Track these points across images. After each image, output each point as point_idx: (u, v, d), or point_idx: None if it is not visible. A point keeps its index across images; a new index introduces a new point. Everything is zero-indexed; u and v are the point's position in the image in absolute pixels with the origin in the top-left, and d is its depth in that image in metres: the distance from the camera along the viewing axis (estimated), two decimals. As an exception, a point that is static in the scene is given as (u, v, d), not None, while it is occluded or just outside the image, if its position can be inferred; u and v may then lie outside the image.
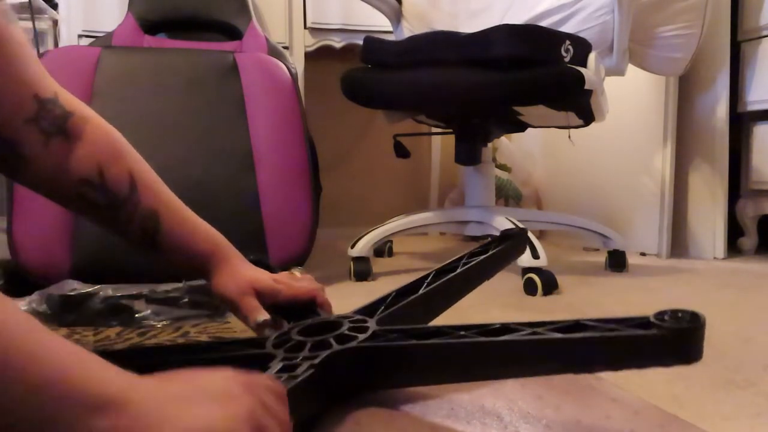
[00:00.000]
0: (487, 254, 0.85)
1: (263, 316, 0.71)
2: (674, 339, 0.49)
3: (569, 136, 1.59)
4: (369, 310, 0.68)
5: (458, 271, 0.78)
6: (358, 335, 0.60)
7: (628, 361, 0.51)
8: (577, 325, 0.52)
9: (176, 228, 0.71)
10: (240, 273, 0.73)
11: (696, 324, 0.50)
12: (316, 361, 0.55)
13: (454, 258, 0.83)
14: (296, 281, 0.77)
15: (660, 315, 0.50)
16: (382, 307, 0.68)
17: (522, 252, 1.00)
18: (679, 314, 0.50)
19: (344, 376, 0.58)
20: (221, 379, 0.41)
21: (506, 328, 0.54)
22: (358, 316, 0.65)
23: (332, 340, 0.59)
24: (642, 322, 0.50)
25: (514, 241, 0.92)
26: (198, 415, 0.37)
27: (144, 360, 0.65)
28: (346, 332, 0.61)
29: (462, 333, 0.55)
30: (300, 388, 0.51)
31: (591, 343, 0.50)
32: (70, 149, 0.65)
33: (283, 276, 0.78)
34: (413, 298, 0.71)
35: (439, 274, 0.77)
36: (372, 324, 0.62)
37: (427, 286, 0.74)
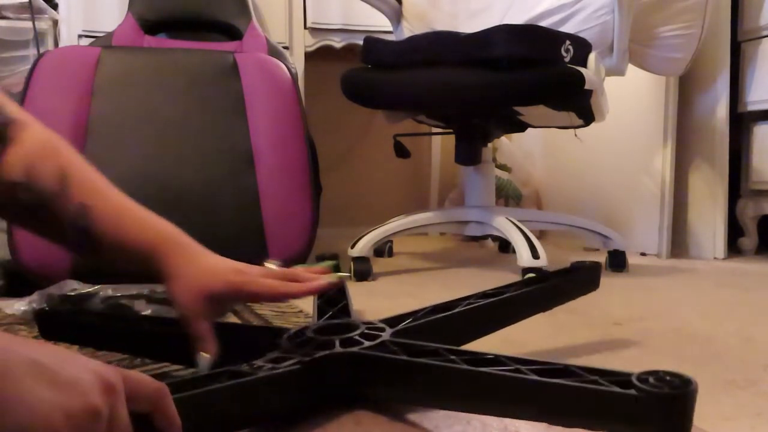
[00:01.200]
0: (544, 283, 0.80)
1: (205, 352, 0.62)
2: (655, 405, 0.42)
3: (576, 134, 1.59)
4: (393, 320, 0.67)
5: (504, 296, 0.74)
6: (364, 342, 0.60)
7: (603, 421, 0.44)
8: (562, 370, 0.48)
9: (110, 222, 0.64)
10: (191, 277, 0.64)
11: (684, 390, 0.41)
12: (307, 359, 0.56)
13: (508, 283, 0.78)
14: (261, 275, 0.66)
15: (646, 374, 0.43)
16: (409, 320, 0.67)
17: (593, 288, 0.85)
18: (668, 377, 0.43)
19: (332, 378, 0.58)
20: (79, 367, 0.36)
21: (497, 359, 0.52)
22: (379, 325, 0.65)
23: (337, 342, 0.60)
24: (624, 379, 0.44)
25: (582, 274, 0.84)
26: (25, 398, 0.33)
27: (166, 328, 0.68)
28: (356, 337, 0.61)
29: (453, 357, 0.53)
30: (272, 379, 0.53)
31: (561, 392, 0.45)
32: (2, 152, 0.63)
33: (247, 269, 0.67)
34: (443, 317, 0.68)
35: (485, 296, 0.74)
36: (386, 334, 0.62)
37: (465, 306, 0.71)
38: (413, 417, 0.59)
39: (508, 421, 0.58)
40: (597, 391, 0.44)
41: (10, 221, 0.69)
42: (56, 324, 0.77)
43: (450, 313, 0.69)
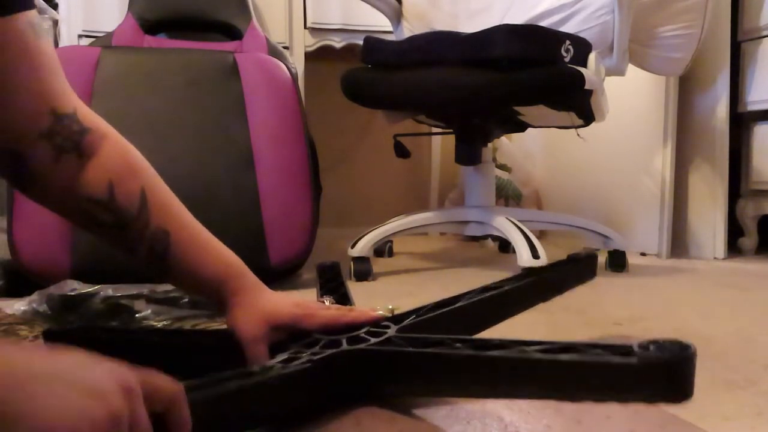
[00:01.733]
0: (542, 275, 0.82)
1: None
2: (656, 370, 0.43)
3: (578, 134, 1.59)
4: (398, 318, 0.68)
5: (504, 288, 0.75)
6: (371, 339, 0.61)
7: (608, 391, 0.46)
8: (565, 348, 0.49)
9: (187, 250, 0.66)
10: (256, 308, 0.66)
11: (683, 355, 0.43)
12: (316, 357, 0.57)
13: (507, 277, 0.80)
14: (321, 309, 0.68)
15: (645, 343, 0.45)
16: (413, 316, 0.68)
17: (591, 277, 0.87)
18: (667, 343, 0.44)
19: (342, 376, 0.59)
20: (100, 372, 0.37)
21: (501, 344, 0.53)
22: (384, 322, 0.66)
23: (344, 341, 0.60)
24: (626, 349, 0.45)
25: (579, 265, 0.85)
26: (52, 406, 0.33)
27: (176, 340, 0.69)
28: (362, 335, 0.62)
29: (458, 345, 0.54)
30: (284, 378, 0.53)
31: (566, 368, 0.47)
32: (82, 166, 0.63)
33: (307, 303, 0.69)
34: (446, 311, 0.69)
35: (485, 290, 0.75)
36: (392, 331, 0.63)
37: (467, 300, 0.72)
38: (414, 417, 0.59)
39: (508, 420, 0.58)
40: (600, 363, 0.45)
41: (82, 229, 0.69)
42: (64, 342, 0.78)
43: (453, 307, 0.70)
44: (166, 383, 0.41)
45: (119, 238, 0.65)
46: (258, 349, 0.64)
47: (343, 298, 0.80)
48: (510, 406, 0.61)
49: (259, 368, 0.55)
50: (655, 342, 0.45)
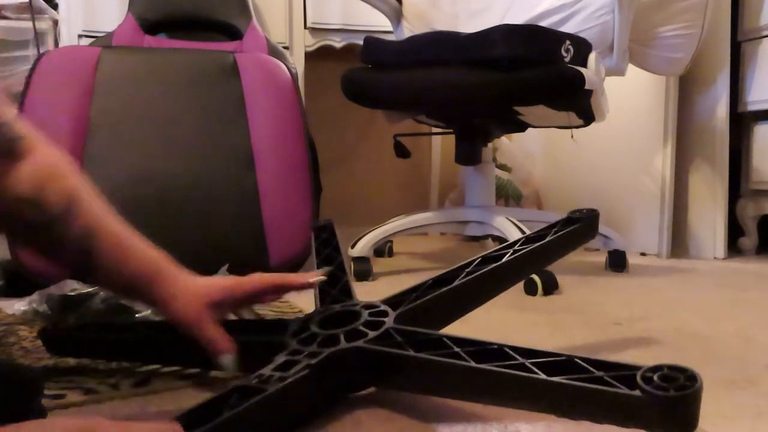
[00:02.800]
0: (543, 240, 0.78)
1: (227, 353, 0.65)
2: (661, 406, 0.41)
3: (572, 135, 1.59)
4: (396, 300, 0.67)
5: (504, 260, 0.73)
6: (369, 332, 0.60)
7: (608, 419, 0.45)
8: (566, 364, 0.48)
9: (114, 248, 0.66)
10: (190, 291, 0.68)
11: (689, 388, 0.41)
12: (313, 361, 0.56)
13: (506, 243, 0.77)
14: (249, 277, 0.71)
15: (650, 371, 0.43)
16: (412, 297, 0.67)
17: (592, 236, 0.84)
18: (673, 373, 0.42)
19: (339, 375, 0.59)
20: None
21: (502, 351, 0.52)
22: (382, 307, 0.65)
23: (341, 336, 0.60)
24: (629, 376, 0.43)
25: (580, 225, 0.82)
26: None
27: (169, 333, 0.68)
28: (360, 328, 0.61)
29: (457, 350, 0.54)
30: (285, 391, 0.52)
31: (568, 392, 0.46)
32: (12, 168, 0.64)
33: (232, 277, 0.73)
34: (444, 291, 0.68)
35: (484, 262, 0.73)
36: (389, 320, 0.62)
37: (465, 276, 0.70)
38: (414, 416, 0.59)
39: (508, 420, 0.58)
40: (602, 392, 0.44)
41: (13, 238, 0.69)
42: (60, 340, 0.79)
43: (451, 286, 0.69)
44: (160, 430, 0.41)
45: (46, 239, 0.65)
46: (207, 329, 0.65)
47: (339, 269, 0.79)
48: (510, 406, 0.61)
49: (257, 382, 0.53)
50: (659, 369, 0.43)
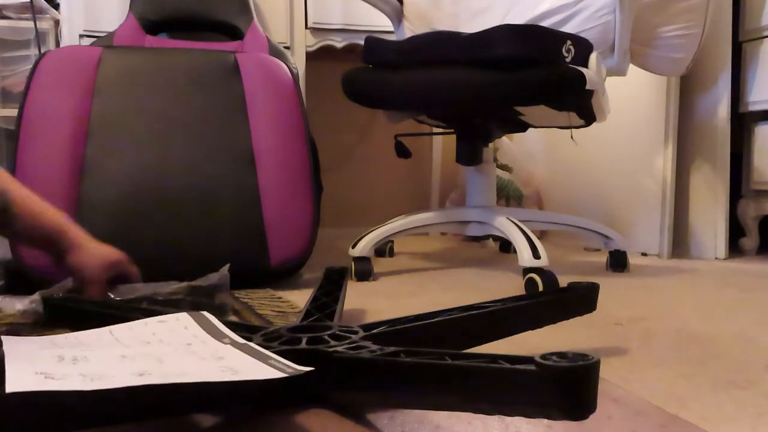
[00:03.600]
0: (532, 300, 0.77)
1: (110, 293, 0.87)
2: (554, 379, 0.41)
3: (572, 136, 1.59)
4: (372, 325, 0.66)
5: (489, 309, 0.70)
6: (331, 341, 0.59)
7: (512, 402, 0.44)
8: (475, 357, 0.47)
9: (26, 205, 0.82)
10: (93, 253, 0.86)
11: (584, 365, 0.40)
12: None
13: (500, 298, 0.75)
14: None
15: (552, 354, 0.43)
16: (385, 326, 0.65)
17: (589, 310, 0.81)
18: (571, 355, 0.42)
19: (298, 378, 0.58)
20: None
21: (429, 353, 0.50)
22: (355, 328, 0.64)
23: (304, 340, 0.60)
24: (530, 358, 0.44)
25: (576, 295, 0.80)
26: None
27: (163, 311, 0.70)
28: (324, 337, 0.61)
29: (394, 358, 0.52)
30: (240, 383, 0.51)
31: (471, 373, 0.45)
32: None
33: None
34: (420, 325, 0.66)
35: (470, 308, 0.71)
36: (357, 337, 0.60)
37: (446, 316, 0.68)
38: (414, 416, 0.59)
39: (508, 420, 0.58)
40: (499, 370, 0.44)
41: None
42: (61, 310, 0.85)
43: (428, 322, 0.67)
44: None
45: None
46: (100, 288, 0.85)
47: (332, 302, 0.80)
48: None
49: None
50: (562, 354, 0.42)
